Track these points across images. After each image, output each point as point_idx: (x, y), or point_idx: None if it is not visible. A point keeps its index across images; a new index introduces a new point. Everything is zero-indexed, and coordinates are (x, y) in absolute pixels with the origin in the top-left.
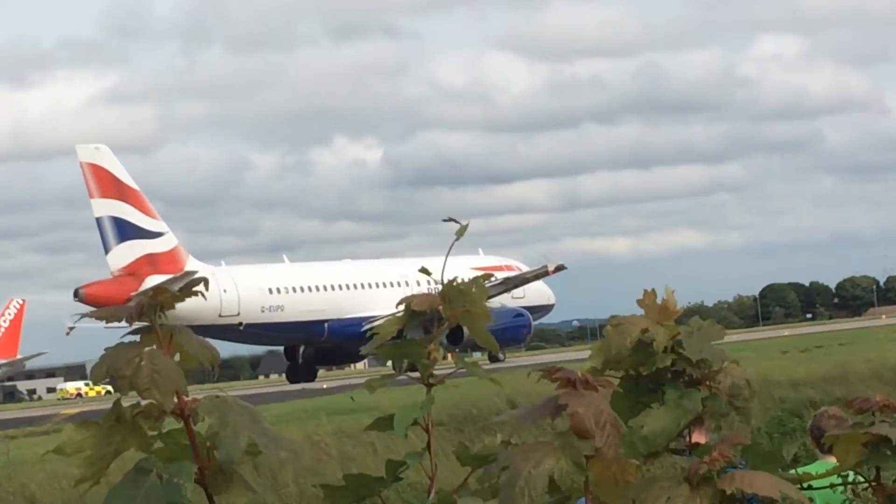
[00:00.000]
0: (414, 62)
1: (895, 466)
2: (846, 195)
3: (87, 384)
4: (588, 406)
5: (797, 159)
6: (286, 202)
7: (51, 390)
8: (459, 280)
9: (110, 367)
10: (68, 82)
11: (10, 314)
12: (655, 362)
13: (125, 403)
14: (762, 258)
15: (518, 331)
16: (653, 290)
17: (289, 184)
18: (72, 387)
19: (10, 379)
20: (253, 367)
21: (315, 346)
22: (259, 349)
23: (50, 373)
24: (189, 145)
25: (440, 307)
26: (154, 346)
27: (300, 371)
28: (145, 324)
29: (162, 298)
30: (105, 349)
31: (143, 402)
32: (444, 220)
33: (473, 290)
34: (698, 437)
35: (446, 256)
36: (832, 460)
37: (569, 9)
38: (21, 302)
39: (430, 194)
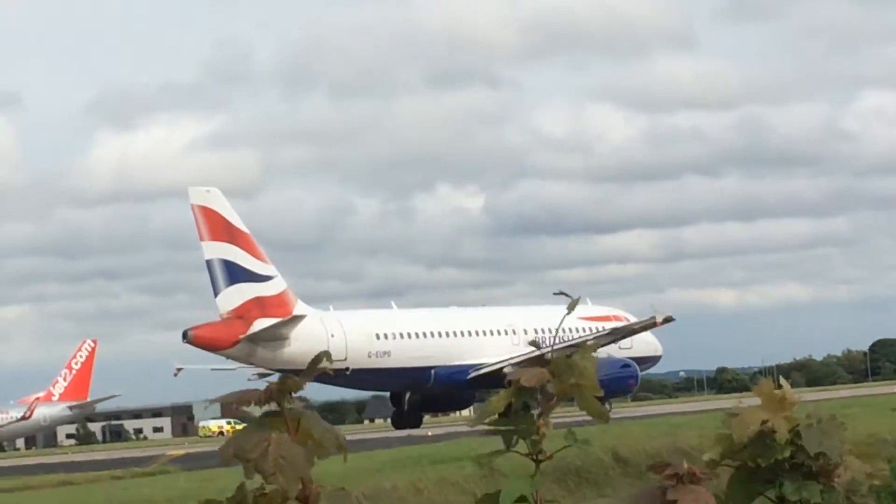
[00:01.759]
0: (514, 111)
1: None
2: None
3: (229, 423)
4: (696, 500)
5: None
6: (390, 247)
7: (157, 430)
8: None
9: (238, 450)
10: (171, 126)
11: (81, 356)
12: (774, 454)
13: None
14: (871, 312)
15: (624, 382)
16: (769, 379)
17: (392, 229)
18: (215, 424)
19: (117, 418)
20: (358, 412)
21: (421, 392)
22: (365, 394)
23: (157, 412)
24: (292, 190)
25: (549, 381)
26: (281, 432)
27: (406, 417)
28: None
29: (290, 384)
30: (234, 431)
31: (268, 487)
32: (555, 294)
33: (582, 363)
34: None
35: (557, 330)
36: None
37: (668, 60)
38: (93, 344)
39: (532, 242)
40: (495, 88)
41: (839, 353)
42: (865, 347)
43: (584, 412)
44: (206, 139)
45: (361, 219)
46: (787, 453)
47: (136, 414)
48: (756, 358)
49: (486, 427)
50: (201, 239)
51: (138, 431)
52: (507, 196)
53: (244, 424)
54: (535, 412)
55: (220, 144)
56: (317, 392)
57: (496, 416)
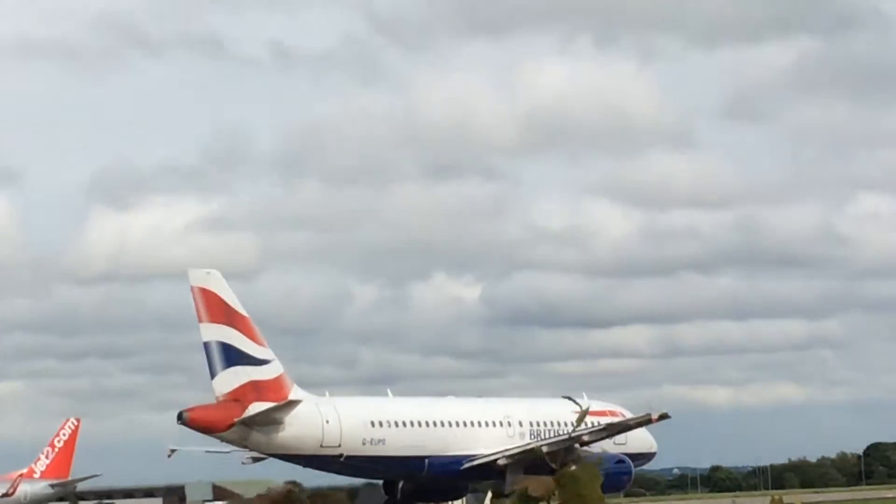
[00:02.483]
0: (511, 203)
1: None
2: None
3: None
4: None
5: None
6: (385, 335)
7: None
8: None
9: None
10: (168, 208)
11: (65, 434)
12: None
13: None
14: (866, 415)
15: (619, 478)
16: (780, 497)
17: (388, 317)
18: None
19: (108, 496)
20: (351, 499)
21: (415, 481)
22: (357, 480)
23: (149, 493)
24: (288, 274)
25: (555, 492)
26: None
27: None
28: None
29: (294, 496)
30: None
31: None
32: (564, 397)
33: (587, 476)
34: None
35: (574, 435)
36: None
37: (664, 157)
38: (76, 422)
39: (527, 334)
40: (492, 180)
41: (833, 455)
42: (860, 450)
43: None
44: (203, 222)
45: (357, 305)
46: None
47: (128, 493)
48: (750, 457)
49: None
50: (200, 321)
51: None
52: (503, 287)
53: None
54: None
55: (217, 227)
56: (309, 477)
57: None
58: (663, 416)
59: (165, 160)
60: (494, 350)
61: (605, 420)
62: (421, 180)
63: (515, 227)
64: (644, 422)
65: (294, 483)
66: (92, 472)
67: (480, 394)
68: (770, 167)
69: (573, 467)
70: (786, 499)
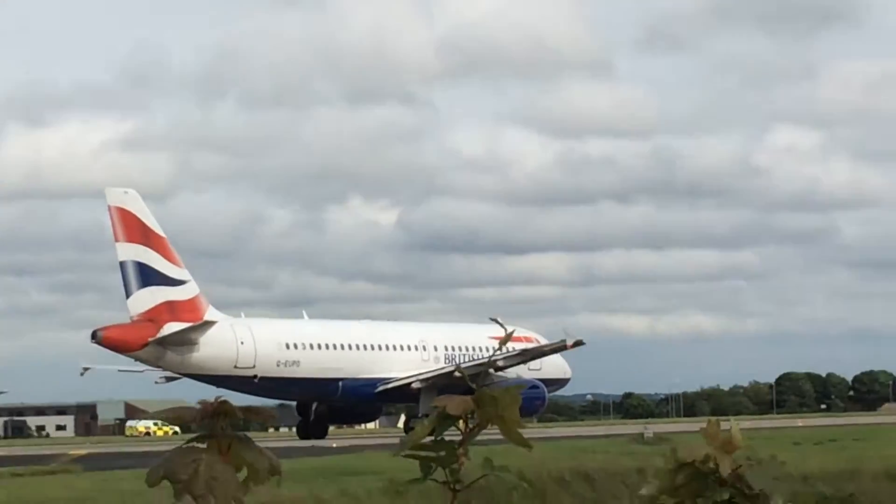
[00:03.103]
0: (429, 130)
1: None
2: (863, 290)
3: (155, 423)
4: None
5: (812, 251)
6: (301, 258)
7: (60, 427)
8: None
9: (167, 471)
10: (84, 125)
11: None
12: (715, 494)
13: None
14: (778, 346)
15: (532, 403)
16: (717, 421)
17: (304, 240)
18: (142, 425)
19: (19, 413)
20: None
21: (328, 403)
22: (271, 402)
23: (60, 410)
24: (205, 195)
25: (473, 411)
26: (212, 454)
27: (312, 427)
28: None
29: (226, 408)
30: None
31: None
32: (491, 319)
33: (507, 398)
34: None
35: (488, 362)
36: None
37: (583, 87)
38: None
39: (444, 260)
40: (411, 106)
41: (746, 385)
42: (772, 380)
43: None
44: (119, 141)
45: (274, 228)
46: (727, 495)
47: (40, 411)
48: (663, 385)
49: (405, 453)
50: (116, 240)
51: (41, 428)
52: (420, 213)
53: (172, 427)
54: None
55: (133, 147)
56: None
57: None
58: (578, 343)
59: (81, 78)
60: (411, 275)
61: (520, 346)
62: (339, 104)
63: (433, 153)
64: (559, 348)
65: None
66: (1, 389)
67: (396, 318)
68: (688, 98)
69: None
70: (742, 424)
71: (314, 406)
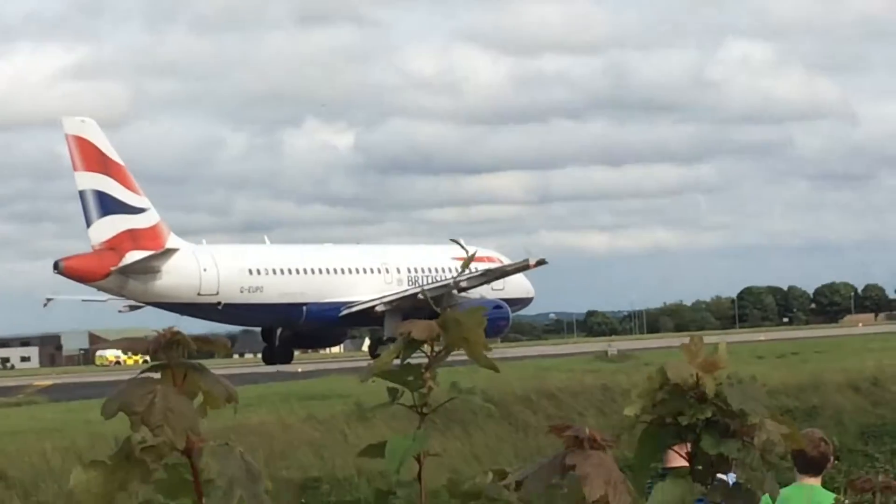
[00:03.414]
0: (381, 50)
1: None
2: (820, 201)
3: (125, 352)
4: (597, 466)
5: (768, 164)
6: (258, 182)
7: (24, 359)
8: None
9: (123, 403)
10: (33, 55)
11: None
12: (697, 412)
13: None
14: (739, 260)
15: (496, 323)
16: (699, 338)
17: (260, 164)
18: (111, 354)
19: None
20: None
21: (293, 328)
22: (236, 328)
23: (25, 342)
24: (159, 122)
25: (439, 335)
26: (168, 384)
27: (276, 353)
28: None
29: (180, 338)
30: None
31: (154, 440)
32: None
33: (471, 320)
34: (674, 460)
35: (455, 280)
36: (809, 482)
37: (534, 3)
38: None
39: (402, 181)
40: (362, 27)
41: (708, 300)
42: (734, 294)
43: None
44: (69, 70)
45: (229, 153)
46: (709, 413)
47: (4, 342)
48: (626, 302)
49: (373, 378)
50: (75, 169)
51: (5, 360)
52: (375, 134)
53: (144, 356)
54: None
55: (84, 76)
56: (187, 326)
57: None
58: (541, 262)
59: (30, 7)
60: (369, 197)
61: (482, 266)
62: (290, 27)
63: (386, 74)
64: (522, 268)
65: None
66: None
67: (357, 241)
68: (641, 12)
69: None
70: (707, 339)
71: (279, 331)
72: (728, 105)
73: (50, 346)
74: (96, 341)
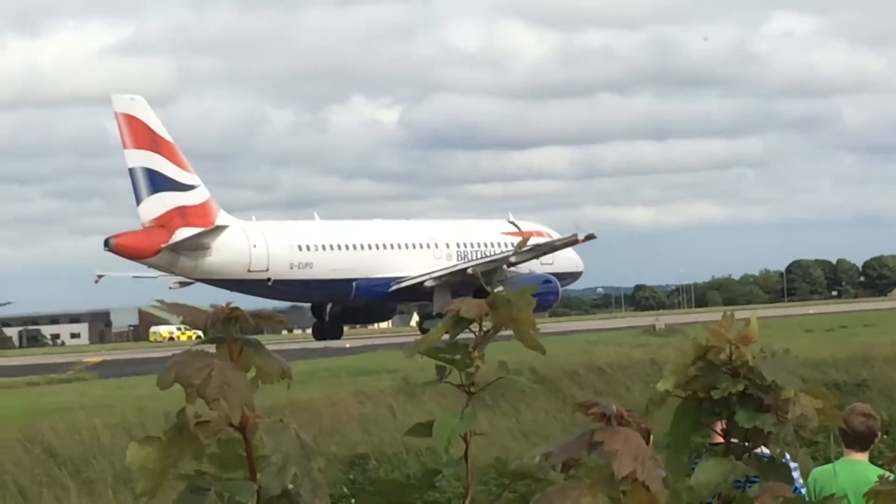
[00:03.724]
0: (424, 25)
1: None
2: (868, 174)
3: (178, 328)
4: (625, 443)
5: (814, 137)
6: (303, 159)
7: (74, 335)
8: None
9: (179, 375)
10: (77, 32)
11: None
12: (729, 386)
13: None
14: (787, 233)
15: (545, 297)
16: (732, 313)
17: (305, 141)
18: (165, 330)
19: (34, 322)
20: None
21: (342, 304)
22: (284, 303)
23: (74, 318)
24: (204, 99)
25: (487, 314)
26: (224, 358)
27: (326, 329)
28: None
29: (237, 314)
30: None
31: (209, 414)
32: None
33: (521, 301)
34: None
35: (501, 258)
36: (856, 457)
37: None
38: None
39: (447, 156)
40: (404, 1)
41: (756, 273)
42: (782, 268)
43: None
44: (114, 47)
45: (274, 129)
46: (741, 387)
47: (54, 319)
48: (673, 276)
49: (420, 353)
50: (124, 147)
51: (55, 337)
52: (421, 110)
53: (196, 332)
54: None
55: (128, 53)
56: (237, 302)
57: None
58: (590, 237)
59: None
60: (415, 173)
61: (532, 241)
62: (332, 2)
63: (430, 48)
64: (571, 242)
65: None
66: (9, 299)
67: (403, 216)
68: None
69: (501, 289)
70: (755, 313)
71: (328, 307)
72: (773, 79)
73: (99, 323)
74: (146, 318)
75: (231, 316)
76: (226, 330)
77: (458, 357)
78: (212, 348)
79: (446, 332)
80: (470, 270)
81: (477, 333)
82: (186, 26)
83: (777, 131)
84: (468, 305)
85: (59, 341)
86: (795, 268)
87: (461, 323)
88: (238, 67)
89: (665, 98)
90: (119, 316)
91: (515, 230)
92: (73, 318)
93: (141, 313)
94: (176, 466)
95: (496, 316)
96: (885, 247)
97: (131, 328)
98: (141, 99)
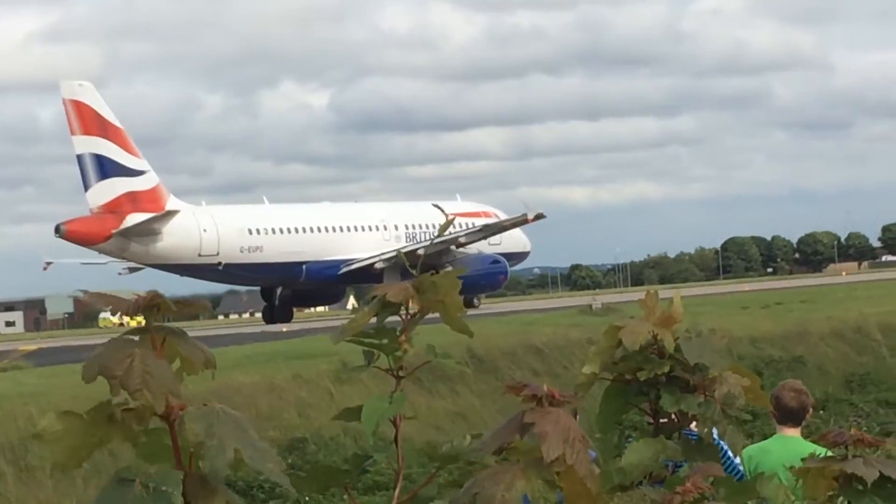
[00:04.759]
0: (353, 8)
1: (867, 503)
2: (801, 151)
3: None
4: (555, 424)
5: (747, 114)
6: (237, 143)
7: (9, 324)
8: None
9: (102, 367)
10: (4, 19)
11: None
12: (655, 367)
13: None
14: (722, 211)
15: (494, 277)
16: (655, 292)
17: (238, 125)
18: (115, 318)
19: None
20: (214, 306)
21: (292, 287)
22: (220, 288)
23: (9, 307)
24: (134, 85)
25: (413, 297)
26: (147, 348)
27: (276, 312)
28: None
29: (159, 301)
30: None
31: (134, 403)
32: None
33: (446, 282)
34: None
35: (431, 242)
36: (789, 433)
37: None
38: None
39: (380, 139)
40: None
41: (692, 251)
42: (717, 245)
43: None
44: (43, 33)
45: (207, 114)
46: (667, 368)
47: None
48: (609, 255)
49: (346, 340)
50: (72, 133)
51: None
52: (351, 93)
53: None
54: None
55: (57, 39)
56: (179, 286)
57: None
58: (539, 216)
59: None
60: (348, 156)
61: (480, 221)
62: None
63: (359, 31)
64: (519, 222)
65: (157, 294)
66: None
67: (338, 199)
68: None
69: (448, 268)
70: (691, 291)
71: (279, 290)
72: (704, 57)
73: (34, 311)
74: (81, 306)
75: (153, 304)
76: (148, 318)
77: (385, 341)
78: (136, 338)
79: (374, 316)
80: (420, 251)
81: (404, 317)
82: (116, 11)
83: (710, 109)
84: (394, 289)
85: None
86: (731, 245)
87: (388, 306)
88: (169, 52)
89: (597, 77)
90: (54, 303)
91: (465, 211)
92: (8, 307)
93: (76, 301)
94: (102, 447)
95: (423, 299)
96: (819, 223)
97: (66, 315)
98: (89, 85)
